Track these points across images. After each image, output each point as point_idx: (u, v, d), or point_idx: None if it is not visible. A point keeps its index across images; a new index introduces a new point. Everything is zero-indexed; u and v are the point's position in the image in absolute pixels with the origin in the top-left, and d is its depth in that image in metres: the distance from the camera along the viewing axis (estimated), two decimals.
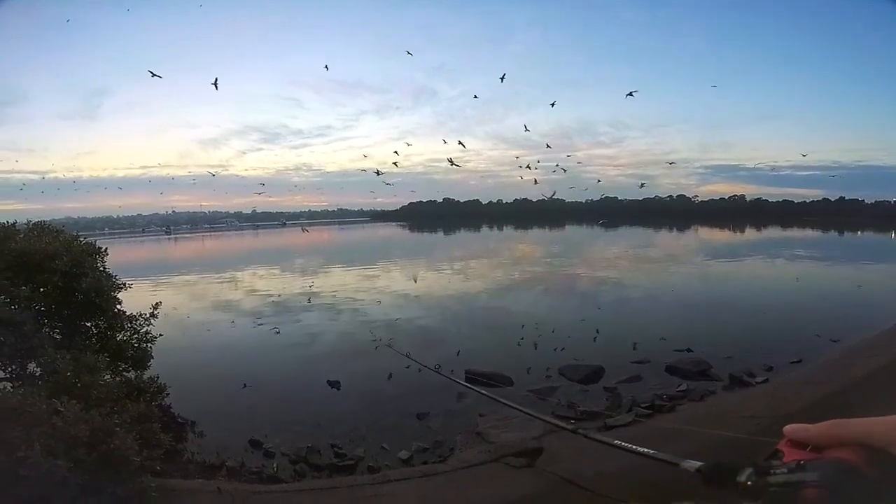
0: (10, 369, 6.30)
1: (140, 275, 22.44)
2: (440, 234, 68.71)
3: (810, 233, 54.94)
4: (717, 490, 0.54)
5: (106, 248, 8.17)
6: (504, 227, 77.58)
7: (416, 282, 24.67)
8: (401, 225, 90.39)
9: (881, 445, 0.45)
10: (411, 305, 18.64)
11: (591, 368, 9.91)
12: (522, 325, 13.82)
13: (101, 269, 7.85)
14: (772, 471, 0.49)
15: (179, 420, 7.89)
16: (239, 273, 30.67)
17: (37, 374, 6.09)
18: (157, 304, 8.20)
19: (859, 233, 54.41)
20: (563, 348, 11.56)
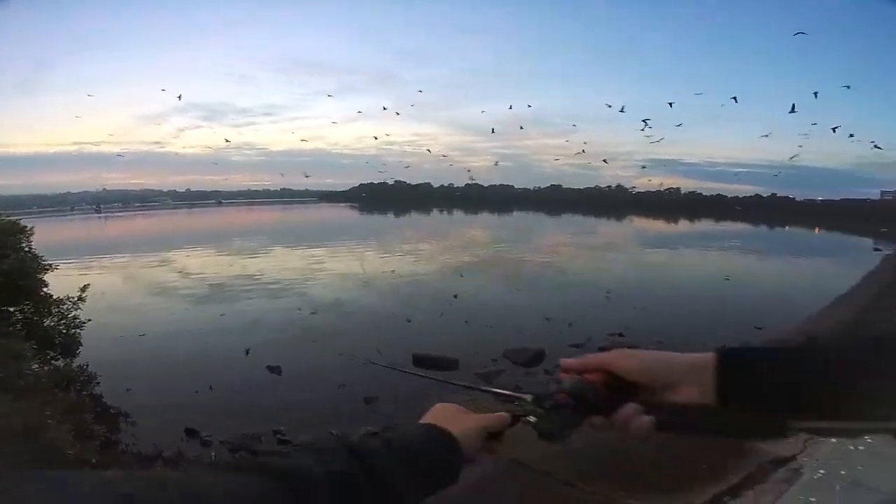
0: None
1: (68, 256, 20.75)
2: (390, 217, 68.03)
3: (741, 226, 59.07)
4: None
5: (32, 228, 7.65)
6: (454, 212, 77.98)
7: (363, 264, 24.40)
8: (350, 206, 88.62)
9: (615, 370, 0.61)
10: (358, 288, 18.48)
11: (533, 351, 10.28)
12: (469, 309, 14.12)
13: (27, 249, 7.37)
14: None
15: (112, 410, 7.48)
16: (173, 254, 28.95)
17: None
18: (85, 286, 7.79)
19: (787, 228, 59.12)
20: (509, 331, 11.89)
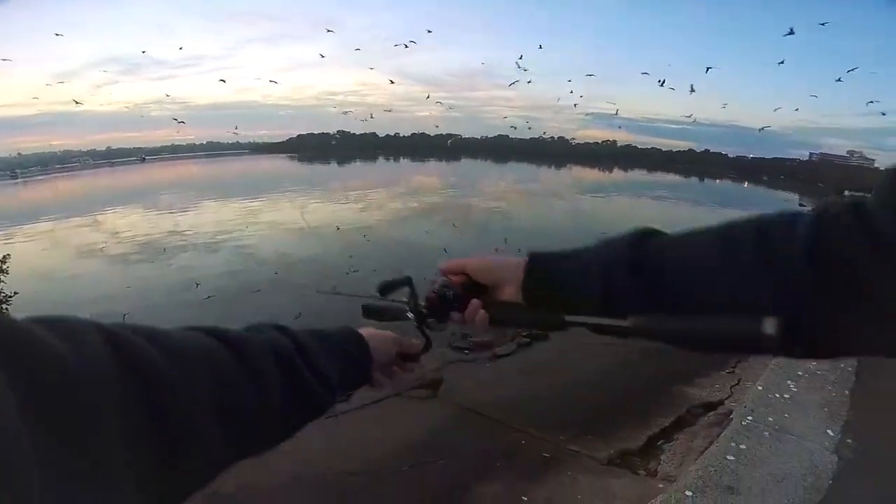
0: None
1: None
2: (333, 166, 65.60)
3: (673, 177, 61.99)
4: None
5: None
6: (401, 160, 76.30)
7: (305, 214, 23.50)
8: (289, 157, 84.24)
9: (469, 273, 0.71)
10: (301, 239, 17.78)
11: None
12: (419, 256, 14.02)
13: None
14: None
15: None
16: (98, 216, 26.57)
17: None
18: (4, 256, 7.32)
19: (717, 181, 62.67)
20: None
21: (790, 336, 0.47)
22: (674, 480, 2.99)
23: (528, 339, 8.23)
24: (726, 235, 0.56)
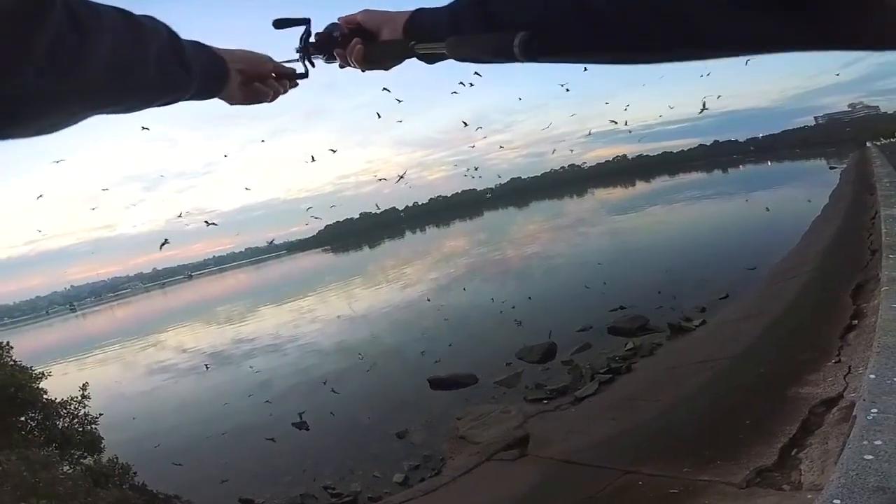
0: None
1: (59, 358, 20.09)
2: (366, 251, 67.56)
3: (697, 175, 60.52)
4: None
5: (8, 342, 7.66)
6: (426, 228, 77.87)
7: (353, 303, 24.05)
8: (324, 250, 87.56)
9: (359, 22, 0.81)
10: (356, 326, 18.13)
11: (543, 347, 10.15)
12: (467, 319, 13.98)
13: (12, 362, 7.42)
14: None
15: (161, 496, 7.22)
16: (162, 335, 28.18)
17: None
18: (84, 384, 7.69)
19: (740, 167, 60.78)
20: (513, 333, 11.74)
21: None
22: (821, 489, 2.75)
23: (609, 374, 7.87)
24: None
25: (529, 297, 15.02)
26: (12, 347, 7.66)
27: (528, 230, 37.45)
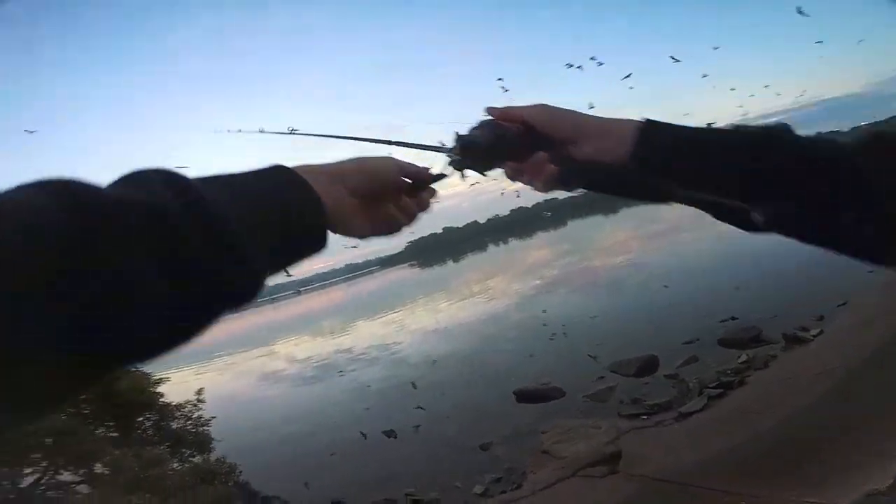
0: (80, 473, 6.75)
1: (178, 366, 22.82)
2: (450, 264, 68.67)
3: None
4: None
5: None
6: (508, 240, 77.41)
7: (439, 316, 24.47)
8: (410, 265, 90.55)
9: (530, 122, 0.62)
10: (443, 339, 18.42)
11: (642, 360, 9.56)
12: (554, 333, 13.57)
13: (134, 369, 8.40)
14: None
15: (262, 497, 7.93)
16: (272, 346, 30.75)
17: (105, 474, 6.42)
18: (200, 389, 8.73)
19: None
20: (605, 344, 11.23)
21: None
22: None
23: (720, 389, 7.24)
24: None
25: (623, 309, 14.29)
26: None
27: (618, 238, 35.70)
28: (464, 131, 0.62)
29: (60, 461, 6.72)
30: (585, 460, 5.32)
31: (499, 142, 0.61)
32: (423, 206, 0.65)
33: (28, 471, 6.67)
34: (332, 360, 20.06)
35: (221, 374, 22.87)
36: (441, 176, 0.65)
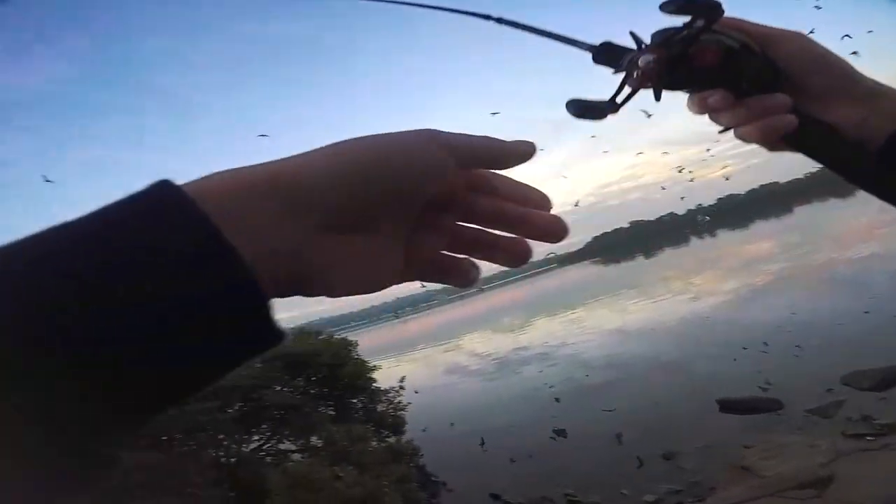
0: (298, 443, 8.09)
1: (385, 354, 26.23)
2: (640, 260, 63.49)
3: None
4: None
5: (356, 341, 10.20)
6: (716, 232, 67.75)
7: (628, 316, 22.97)
8: (592, 262, 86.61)
9: (773, 51, 0.45)
10: (629, 340, 17.30)
11: (884, 371, 7.68)
12: (773, 338, 11.52)
13: (356, 356, 9.75)
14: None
15: (433, 479, 8.68)
16: (459, 340, 32.90)
17: (319, 445, 7.59)
18: (402, 378, 9.82)
19: None
20: (837, 353, 9.26)
21: None
22: None
23: None
24: None
25: (866, 312, 11.41)
26: (357, 345, 10.07)
27: (858, 226, 28.12)
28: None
29: (286, 431, 8.27)
30: (790, 481, 4.54)
31: (731, 52, 0.42)
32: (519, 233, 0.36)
33: (256, 438, 8.24)
34: (511, 356, 20.54)
35: (414, 365, 25.28)
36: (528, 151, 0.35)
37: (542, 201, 0.36)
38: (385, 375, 10.20)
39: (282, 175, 0.27)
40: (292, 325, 10.81)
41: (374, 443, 7.70)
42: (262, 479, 6.32)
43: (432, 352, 30.97)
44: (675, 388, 10.41)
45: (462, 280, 0.36)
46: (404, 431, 8.99)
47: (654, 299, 25.89)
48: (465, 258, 0.36)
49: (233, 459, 7.77)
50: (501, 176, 0.36)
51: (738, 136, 0.46)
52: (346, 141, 0.30)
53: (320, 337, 10.04)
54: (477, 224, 0.36)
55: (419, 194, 0.31)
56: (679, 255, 57.06)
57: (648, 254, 66.04)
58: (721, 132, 0.46)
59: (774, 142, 0.46)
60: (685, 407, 9.16)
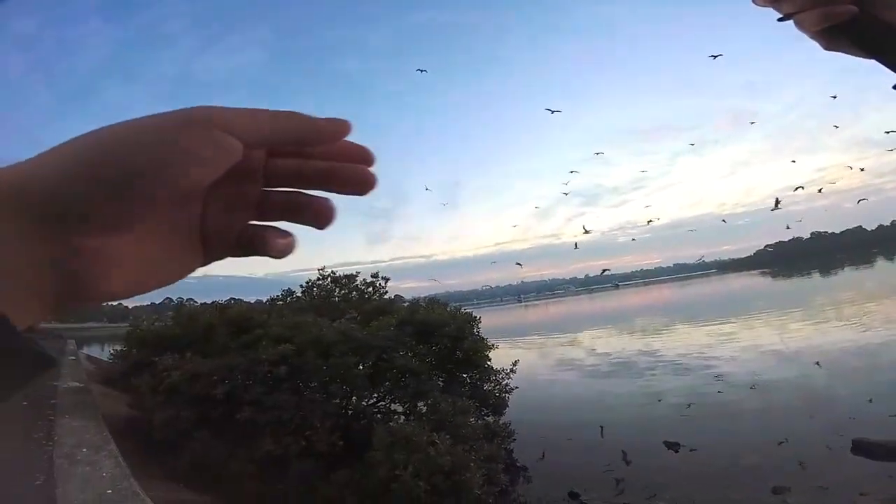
0: (406, 406, 8.53)
1: (501, 336, 26.93)
2: (815, 277, 53.90)
3: None
4: None
5: (480, 317, 10.29)
6: None
7: (785, 336, 20.20)
8: (761, 273, 75.45)
9: None
10: (779, 362, 15.66)
11: None
12: None
13: (476, 333, 9.91)
14: None
15: (517, 465, 8.80)
16: (580, 334, 32.25)
17: (423, 411, 8.03)
18: (515, 361, 9.75)
19: None
20: None
21: None
22: None
23: None
24: None
25: None
26: (480, 322, 10.06)
27: None
28: None
29: (400, 393, 8.53)
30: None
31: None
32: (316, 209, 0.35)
33: (374, 395, 8.55)
34: (634, 359, 19.74)
35: (529, 351, 25.07)
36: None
37: (363, 155, 0.34)
38: (498, 356, 10.23)
39: (3, 185, 0.26)
40: (423, 296, 11.64)
41: (473, 419, 7.76)
42: (369, 434, 6.83)
43: (546, 341, 30.54)
44: (812, 420, 9.48)
45: (270, 250, 0.33)
46: (504, 413, 9.08)
47: (819, 322, 22.35)
48: (271, 227, 0.34)
49: (350, 412, 8.29)
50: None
51: (797, 24, 0.47)
52: (90, 134, 0.28)
53: (448, 309, 10.29)
54: (285, 187, 0.35)
55: (188, 184, 0.29)
56: (860, 276, 47.46)
57: (825, 271, 55.70)
58: (780, 20, 0.48)
59: (832, 35, 0.47)
60: (817, 441, 8.39)
